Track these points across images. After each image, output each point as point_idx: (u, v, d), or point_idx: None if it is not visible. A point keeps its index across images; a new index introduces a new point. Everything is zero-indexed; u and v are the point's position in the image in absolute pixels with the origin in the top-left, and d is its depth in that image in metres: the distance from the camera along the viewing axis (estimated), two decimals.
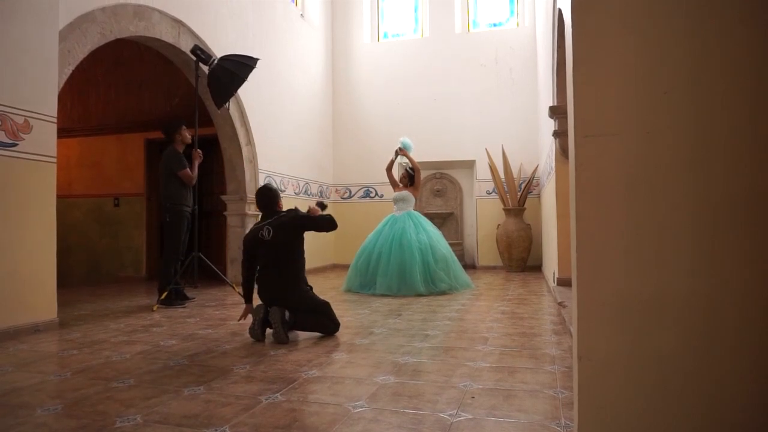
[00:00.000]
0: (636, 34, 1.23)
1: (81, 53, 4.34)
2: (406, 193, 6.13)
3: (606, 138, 1.25)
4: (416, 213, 6.15)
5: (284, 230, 3.41)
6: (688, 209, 1.20)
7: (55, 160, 3.85)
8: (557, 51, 4.69)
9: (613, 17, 1.24)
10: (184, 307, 4.76)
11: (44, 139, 3.75)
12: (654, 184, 1.22)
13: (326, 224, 3.49)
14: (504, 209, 8.21)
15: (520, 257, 8.00)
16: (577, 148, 1.27)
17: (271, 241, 3.39)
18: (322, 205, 3.73)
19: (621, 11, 1.24)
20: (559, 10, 4.11)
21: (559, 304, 4.09)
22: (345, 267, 6.30)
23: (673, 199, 1.21)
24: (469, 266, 8.70)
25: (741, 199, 1.18)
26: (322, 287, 5.93)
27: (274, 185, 3.66)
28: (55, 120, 3.86)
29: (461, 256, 8.68)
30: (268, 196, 3.56)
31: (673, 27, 1.22)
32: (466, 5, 9.32)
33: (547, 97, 6.03)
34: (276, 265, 3.42)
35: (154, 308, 4.64)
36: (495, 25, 9.26)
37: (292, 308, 3.34)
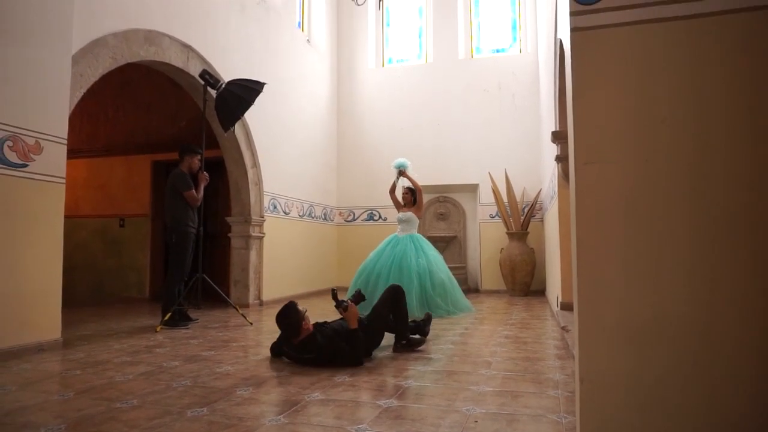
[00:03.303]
0: (633, 66, 1.28)
1: (92, 77, 4.43)
2: (410, 214, 6.18)
3: (605, 165, 1.28)
4: (419, 236, 6.18)
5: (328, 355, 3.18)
6: (685, 234, 1.23)
7: (64, 180, 3.91)
8: (559, 78, 4.76)
9: (610, 49, 1.29)
10: (188, 329, 4.76)
11: (54, 160, 3.82)
12: (652, 210, 1.25)
13: (351, 358, 3.20)
14: (507, 233, 8.23)
15: (524, 281, 7.98)
16: (577, 174, 1.31)
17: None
18: (358, 296, 3.54)
19: (618, 44, 1.28)
20: (560, 41, 4.19)
21: (563, 328, 4.08)
22: (348, 290, 6.31)
23: (670, 224, 1.24)
24: (473, 290, 8.68)
25: (737, 224, 1.21)
26: (324, 309, 5.92)
27: (295, 307, 3.29)
28: (66, 141, 3.93)
29: (464, 280, 8.67)
30: (291, 325, 3.26)
31: (668, 58, 1.26)
32: (469, 32, 9.50)
33: (549, 122, 6.10)
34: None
35: (158, 329, 4.64)
36: (498, 51, 9.42)
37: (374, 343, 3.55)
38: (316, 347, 3.15)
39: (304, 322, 3.25)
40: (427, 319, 4.16)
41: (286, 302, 3.41)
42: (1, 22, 3.45)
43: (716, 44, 1.24)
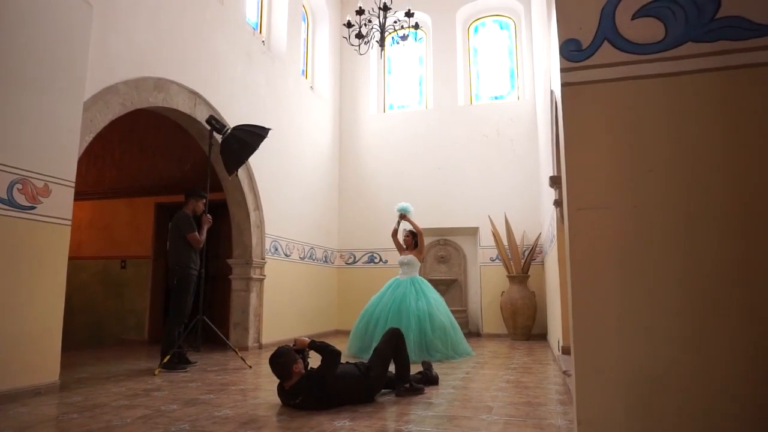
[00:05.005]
0: (619, 119, 1.36)
1: (102, 122, 4.56)
2: (411, 257, 6.24)
3: (597, 211, 1.34)
4: (420, 278, 6.20)
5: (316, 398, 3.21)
6: (676, 278, 1.27)
7: (70, 222, 3.97)
8: (554, 125, 4.89)
9: (598, 103, 1.37)
10: (186, 372, 4.72)
11: (61, 202, 3.89)
12: (643, 254, 1.30)
13: (332, 366, 3.30)
14: (508, 276, 8.23)
15: (525, 325, 7.93)
16: (570, 220, 1.36)
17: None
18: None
19: (605, 98, 1.36)
20: (553, 92, 4.34)
21: (564, 372, 4.05)
22: (348, 333, 6.29)
23: (661, 268, 1.28)
24: (474, 334, 8.61)
25: (727, 270, 1.25)
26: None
27: (287, 350, 3.34)
28: (73, 184, 4.01)
29: (465, 324, 8.60)
30: (280, 366, 3.28)
31: (652, 112, 1.34)
32: (468, 79, 9.78)
33: (547, 167, 6.21)
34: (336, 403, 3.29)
35: (156, 372, 4.60)
36: (496, 98, 9.67)
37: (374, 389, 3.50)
38: (303, 390, 3.18)
39: (295, 365, 3.26)
40: (429, 367, 4.15)
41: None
42: (17, 71, 3.59)
43: (695, 99, 1.32)
